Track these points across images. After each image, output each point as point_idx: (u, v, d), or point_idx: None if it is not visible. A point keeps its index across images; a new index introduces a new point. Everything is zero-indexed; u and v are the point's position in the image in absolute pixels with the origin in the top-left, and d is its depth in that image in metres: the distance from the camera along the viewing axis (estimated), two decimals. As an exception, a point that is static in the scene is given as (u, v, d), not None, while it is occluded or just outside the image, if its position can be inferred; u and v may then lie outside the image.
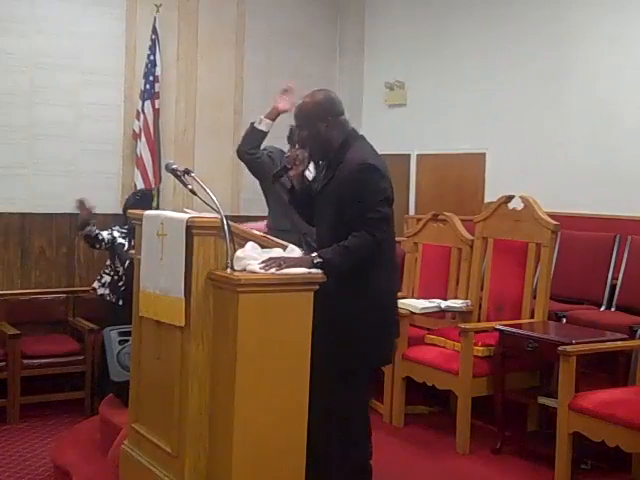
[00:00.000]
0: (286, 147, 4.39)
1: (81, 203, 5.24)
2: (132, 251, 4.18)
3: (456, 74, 6.80)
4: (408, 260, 5.18)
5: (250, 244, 3.06)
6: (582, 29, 5.95)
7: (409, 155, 7.17)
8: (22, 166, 6.21)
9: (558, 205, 5.41)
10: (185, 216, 3.06)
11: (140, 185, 6.37)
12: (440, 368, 4.20)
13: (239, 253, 2.99)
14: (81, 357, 5.81)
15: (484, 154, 6.56)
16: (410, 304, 4.48)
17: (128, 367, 3.89)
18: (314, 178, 3.49)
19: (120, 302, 5.43)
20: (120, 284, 5.47)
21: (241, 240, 3.06)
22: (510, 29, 6.42)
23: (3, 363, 5.55)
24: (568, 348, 3.57)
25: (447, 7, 6.93)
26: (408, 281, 5.12)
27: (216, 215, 3.03)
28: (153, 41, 6.54)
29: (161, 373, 3.23)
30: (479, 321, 4.57)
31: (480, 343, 4.13)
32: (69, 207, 6.33)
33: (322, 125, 3.20)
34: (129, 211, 3.87)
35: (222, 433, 2.97)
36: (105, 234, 5.37)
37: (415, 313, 4.47)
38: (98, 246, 5.41)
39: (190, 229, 3.01)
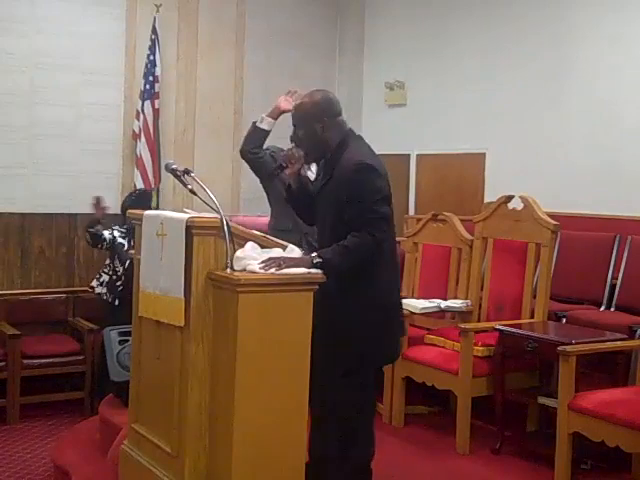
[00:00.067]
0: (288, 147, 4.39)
1: (98, 201, 5.28)
2: (132, 251, 4.19)
3: (456, 74, 6.80)
4: (408, 260, 5.17)
5: (250, 244, 3.06)
6: (582, 29, 5.96)
7: (409, 155, 7.18)
8: (22, 166, 6.22)
9: (558, 205, 5.42)
10: (185, 216, 3.06)
11: (140, 185, 6.38)
12: (440, 368, 4.20)
13: (239, 253, 2.99)
14: (81, 357, 5.81)
15: (484, 154, 6.56)
16: (410, 304, 4.48)
17: (128, 367, 3.89)
18: (316, 178, 3.49)
19: (116, 302, 5.45)
20: (118, 284, 5.48)
21: (241, 240, 3.06)
22: (510, 29, 6.42)
23: (3, 363, 5.55)
24: (568, 348, 3.57)
25: (447, 7, 6.93)
26: (408, 281, 5.12)
27: (216, 215, 3.03)
28: (153, 41, 6.55)
29: (161, 373, 3.23)
30: (479, 321, 4.57)
31: (480, 343, 4.13)
32: (69, 207, 6.39)
33: (318, 125, 3.20)
34: (129, 211, 3.87)
35: (222, 433, 2.97)
36: (106, 234, 5.40)
37: (415, 313, 4.47)
38: (100, 246, 5.44)
39: (190, 229, 3.01)
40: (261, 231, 3.67)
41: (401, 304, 3.37)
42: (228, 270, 2.95)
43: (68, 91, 6.36)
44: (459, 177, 6.75)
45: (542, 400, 4.11)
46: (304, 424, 3.02)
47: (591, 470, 3.75)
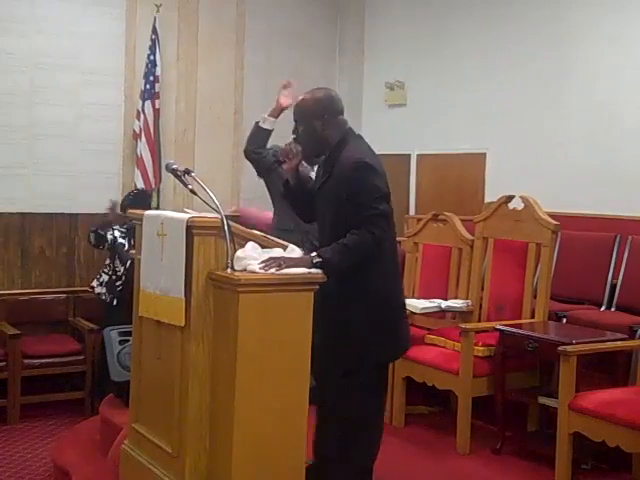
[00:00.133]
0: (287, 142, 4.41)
1: (113, 206, 5.31)
2: (133, 251, 4.19)
3: (456, 74, 6.80)
4: (408, 260, 5.18)
5: (250, 244, 3.06)
6: (582, 29, 5.95)
7: (409, 155, 7.17)
8: (22, 166, 6.21)
9: (558, 205, 5.41)
10: (185, 216, 3.06)
11: (140, 185, 6.38)
12: (440, 368, 4.20)
13: (239, 253, 2.99)
14: (81, 357, 5.81)
15: (484, 154, 6.56)
16: (410, 304, 4.47)
17: (128, 367, 3.89)
18: (316, 177, 3.49)
19: (115, 302, 5.45)
20: (117, 284, 5.48)
21: (241, 240, 3.06)
22: (510, 29, 6.41)
23: (3, 363, 5.55)
24: (568, 348, 3.57)
25: (447, 7, 6.93)
26: (408, 281, 5.11)
27: (216, 215, 3.03)
28: (153, 41, 6.54)
29: (161, 373, 3.23)
30: (479, 321, 4.57)
31: (480, 343, 4.13)
32: (69, 207, 6.39)
33: (318, 122, 3.21)
34: (129, 211, 3.87)
35: (222, 433, 2.97)
36: (108, 234, 5.43)
37: (415, 313, 4.47)
38: (101, 247, 5.47)
39: (190, 229, 3.01)
40: (267, 225, 3.67)
41: (404, 304, 3.35)
42: (228, 270, 2.95)
43: (68, 91, 6.35)
44: (459, 177, 6.75)
45: (542, 400, 4.11)
46: (304, 424, 3.01)
47: (591, 470, 3.76)
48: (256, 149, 4.38)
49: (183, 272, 3.01)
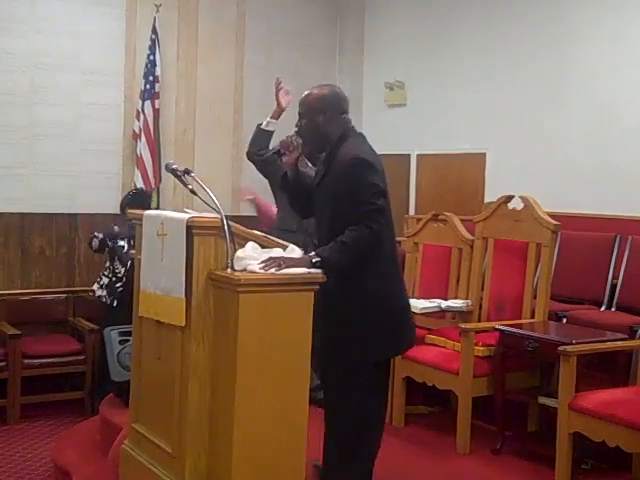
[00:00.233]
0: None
1: (125, 221, 5.38)
2: (132, 251, 4.19)
3: (456, 74, 6.80)
4: (408, 260, 5.17)
5: (250, 244, 3.06)
6: (582, 29, 5.95)
7: (409, 155, 7.17)
8: (22, 166, 6.22)
9: (558, 205, 5.41)
10: (185, 216, 3.06)
11: (140, 185, 6.38)
12: (440, 368, 4.20)
13: (239, 253, 2.99)
14: (81, 357, 5.82)
15: (484, 154, 6.55)
16: (410, 304, 4.47)
17: (128, 367, 3.89)
18: (315, 173, 3.48)
19: (115, 303, 5.46)
20: (118, 285, 5.50)
21: (241, 240, 3.06)
22: (510, 29, 6.41)
23: (3, 363, 5.55)
24: (568, 348, 3.56)
25: (447, 7, 6.93)
26: (408, 281, 5.10)
27: (216, 215, 3.03)
28: (153, 41, 6.54)
29: (161, 373, 3.23)
30: (479, 321, 4.57)
31: (480, 343, 4.13)
32: (69, 207, 6.39)
33: (320, 118, 3.21)
34: (129, 211, 3.87)
35: (222, 433, 2.96)
36: (117, 244, 5.49)
37: (415, 313, 4.44)
38: (102, 251, 5.52)
39: (190, 229, 3.01)
40: (270, 218, 3.64)
41: (407, 305, 3.33)
42: (228, 270, 2.95)
43: (68, 91, 6.36)
44: (459, 177, 6.75)
45: (542, 400, 4.11)
46: (304, 424, 3.01)
47: (591, 470, 3.75)
48: (258, 151, 4.40)
49: (183, 272, 3.01)
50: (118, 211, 5.79)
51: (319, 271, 2.98)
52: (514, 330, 3.99)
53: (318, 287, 2.99)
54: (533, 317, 4.32)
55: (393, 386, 4.43)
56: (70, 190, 6.39)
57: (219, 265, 3.02)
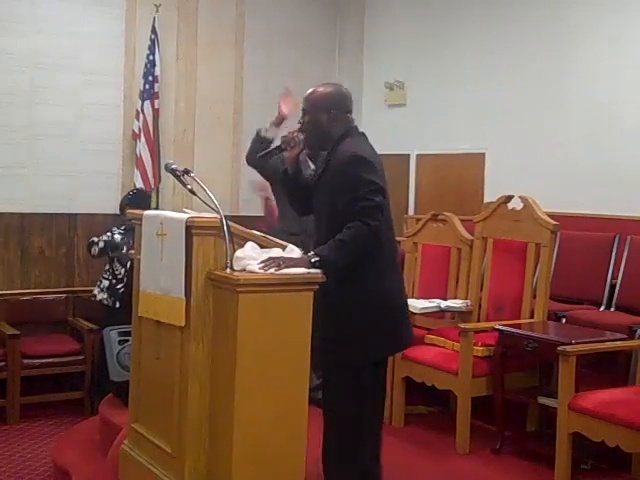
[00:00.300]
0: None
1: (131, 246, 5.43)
2: (132, 251, 4.19)
3: (456, 74, 6.80)
4: (408, 260, 5.17)
5: (249, 244, 3.06)
6: (582, 29, 5.95)
7: (409, 155, 7.17)
8: (22, 166, 6.22)
9: (558, 205, 5.41)
10: (185, 216, 3.06)
11: (140, 185, 6.38)
12: (440, 368, 4.20)
13: (239, 253, 2.99)
14: (81, 357, 5.82)
15: (484, 154, 6.56)
16: (410, 304, 4.44)
17: (128, 367, 3.89)
18: (315, 171, 3.48)
19: (117, 304, 5.46)
20: (119, 287, 5.50)
21: (241, 240, 3.06)
22: (510, 29, 6.42)
23: (3, 363, 5.55)
24: (568, 348, 3.56)
25: (447, 7, 6.93)
26: (408, 281, 5.10)
27: (215, 215, 3.04)
28: (152, 41, 6.55)
29: (161, 373, 3.23)
30: (479, 321, 4.57)
31: (480, 343, 4.13)
32: (69, 207, 6.39)
33: (324, 116, 3.22)
34: (128, 211, 3.87)
35: (222, 433, 2.97)
36: (106, 238, 5.50)
37: (415, 313, 4.46)
38: (101, 257, 5.55)
39: (190, 229, 3.01)
40: (271, 217, 3.62)
41: (406, 304, 3.33)
42: (228, 270, 2.96)
43: (68, 91, 6.36)
44: (459, 177, 6.75)
45: (542, 400, 4.11)
46: (304, 424, 3.01)
47: (591, 470, 3.75)
48: (257, 157, 4.39)
49: (183, 272, 3.02)
50: (118, 211, 5.78)
51: (318, 271, 2.97)
52: (513, 330, 3.99)
53: (318, 287, 2.99)
54: (532, 317, 4.32)
55: (392, 386, 4.44)
56: (70, 190, 6.39)
57: (218, 265, 3.03)
